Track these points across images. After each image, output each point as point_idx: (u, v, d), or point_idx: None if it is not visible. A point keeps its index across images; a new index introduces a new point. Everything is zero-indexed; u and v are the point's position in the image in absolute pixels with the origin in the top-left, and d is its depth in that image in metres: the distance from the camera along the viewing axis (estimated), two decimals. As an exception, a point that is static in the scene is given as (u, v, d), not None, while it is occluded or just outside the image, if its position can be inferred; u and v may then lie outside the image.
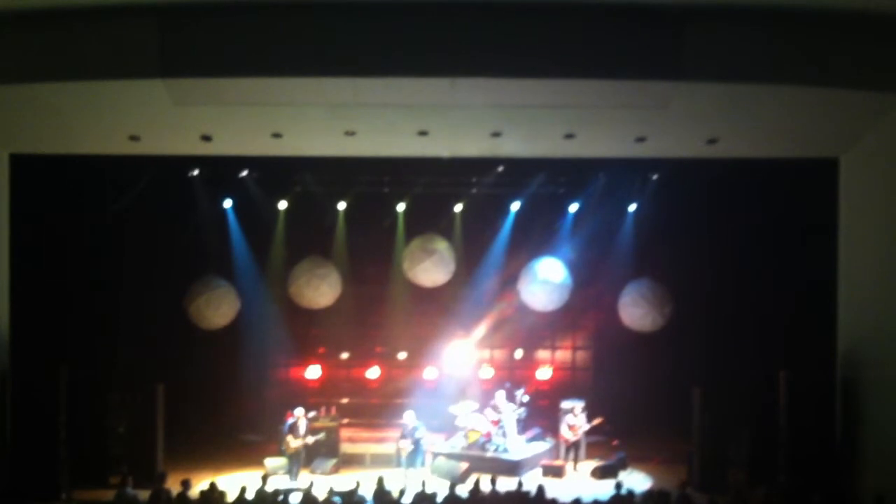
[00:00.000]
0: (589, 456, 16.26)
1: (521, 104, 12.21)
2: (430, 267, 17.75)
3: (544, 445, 16.63)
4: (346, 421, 17.33)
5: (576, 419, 16.08)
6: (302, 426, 14.78)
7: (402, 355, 19.04)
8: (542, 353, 19.73)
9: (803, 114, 12.19)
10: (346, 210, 18.37)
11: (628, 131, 13.19)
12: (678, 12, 10.77)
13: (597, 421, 16.05)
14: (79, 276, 15.84)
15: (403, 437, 14.97)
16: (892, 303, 12.38)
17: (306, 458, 15.35)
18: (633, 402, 18.15)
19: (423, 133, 13.28)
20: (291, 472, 14.52)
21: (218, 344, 18.13)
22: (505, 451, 15.69)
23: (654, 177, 17.13)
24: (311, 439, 14.77)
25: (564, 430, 16.02)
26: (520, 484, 12.07)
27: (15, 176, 14.02)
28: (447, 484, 12.15)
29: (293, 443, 14.56)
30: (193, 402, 17.80)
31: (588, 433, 16.18)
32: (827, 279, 14.20)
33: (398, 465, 15.23)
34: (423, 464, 15.21)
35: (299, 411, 14.97)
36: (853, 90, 11.28)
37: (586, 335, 19.68)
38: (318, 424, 15.89)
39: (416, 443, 14.86)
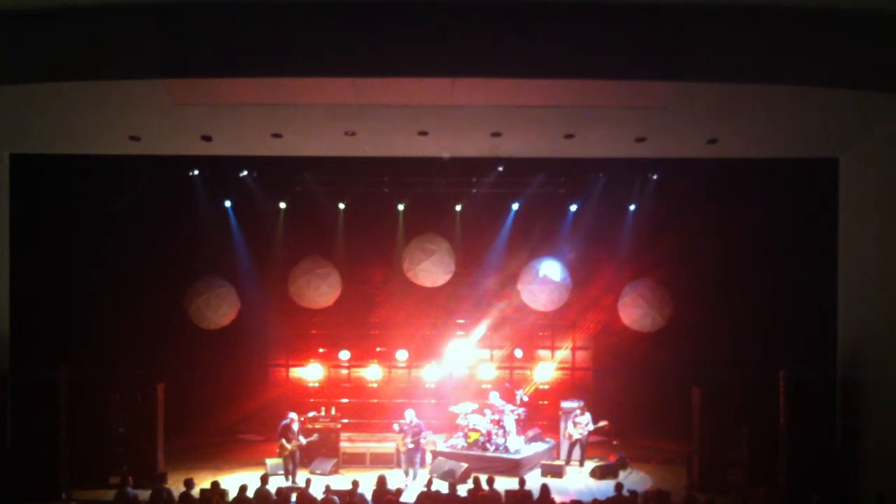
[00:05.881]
0: (589, 456, 16.26)
1: (521, 104, 12.22)
2: (430, 267, 17.76)
3: (544, 445, 16.64)
4: (346, 421, 17.33)
5: (581, 418, 16.11)
6: (295, 428, 14.74)
7: (402, 355, 19.04)
8: (542, 353, 19.73)
9: (803, 114, 12.19)
10: (346, 210, 18.39)
11: (628, 131, 13.19)
12: (678, 12, 10.77)
13: (602, 423, 16.07)
14: (79, 277, 15.87)
15: (403, 435, 14.97)
16: (892, 303, 12.38)
17: (306, 459, 15.35)
18: (633, 401, 18.18)
19: (423, 133, 13.29)
20: (287, 473, 14.48)
21: (218, 344, 18.15)
22: (505, 450, 15.70)
23: (654, 177, 17.16)
24: (304, 440, 14.74)
25: (570, 428, 16.07)
26: (522, 482, 12.08)
27: (15, 176, 14.04)
28: (447, 484, 12.16)
29: (287, 445, 14.53)
30: (193, 402, 17.84)
31: (590, 433, 16.19)
32: (827, 279, 14.22)
33: (398, 465, 15.25)
34: (422, 464, 15.23)
35: (293, 414, 14.94)
36: (853, 90, 11.28)
37: (586, 335, 19.68)
38: (318, 426, 15.90)
39: (416, 442, 14.88)
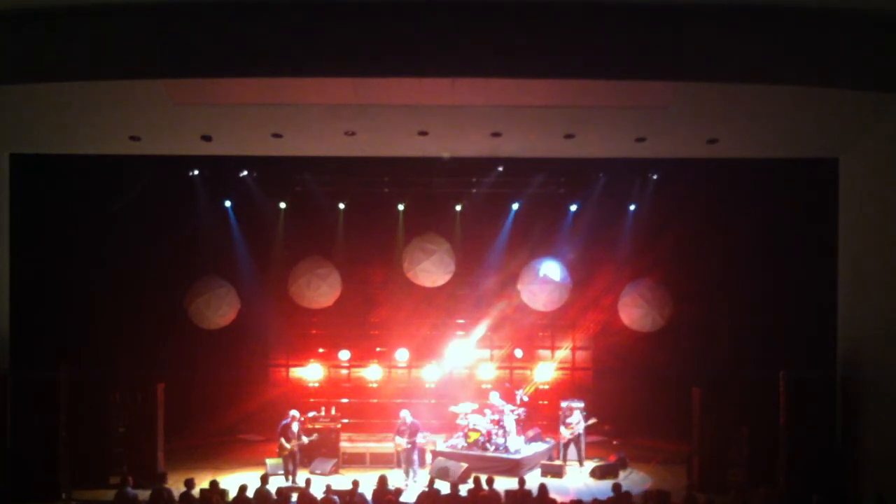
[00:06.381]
0: (589, 456, 16.25)
1: (521, 104, 12.21)
2: (430, 267, 17.76)
3: (544, 445, 16.64)
4: (346, 421, 17.33)
5: (572, 417, 16.10)
6: (295, 428, 14.74)
7: (402, 355, 19.04)
8: (543, 353, 19.73)
9: (803, 114, 12.19)
10: (346, 210, 18.39)
11: (628, 131, 13.19)
12: (678, 12, 10.77)
13: (591, 421, 16.06)
14: (79, 277, 15.87)
15: (400, 435, 14.96)
16: (892, 303, 12.38)
17: (306, 459, 15.35)
18: (633, 401, 18.18)
19: (423, 133, 13.29)
20: (287, 473, 14.48)
21: (218, 344, 18.16)
22: (505, 450, 15.69)
23: (654, 177, 17.16)
24: (305, 439, 14.74)
25: (562, 429, 16.07)
26: (521, 482, 12.08)
27: (15, 176, 14.04)
28: (447, 484, 12.15)
29: (286, 444, 14.53)
30: (193, 402, 17.84)
31: (587, 433, 16.19)
32: (827, 279, 14.22)
33: (398, 464, 15.24)
34: (422, 463, 15.22)
35: (293, 413, 14.94)
36: (853, 90, 11.28)
37: (586, 335, 19.68)
38: (318, 426, 15.90)
39: (413, 442, 14.86)
